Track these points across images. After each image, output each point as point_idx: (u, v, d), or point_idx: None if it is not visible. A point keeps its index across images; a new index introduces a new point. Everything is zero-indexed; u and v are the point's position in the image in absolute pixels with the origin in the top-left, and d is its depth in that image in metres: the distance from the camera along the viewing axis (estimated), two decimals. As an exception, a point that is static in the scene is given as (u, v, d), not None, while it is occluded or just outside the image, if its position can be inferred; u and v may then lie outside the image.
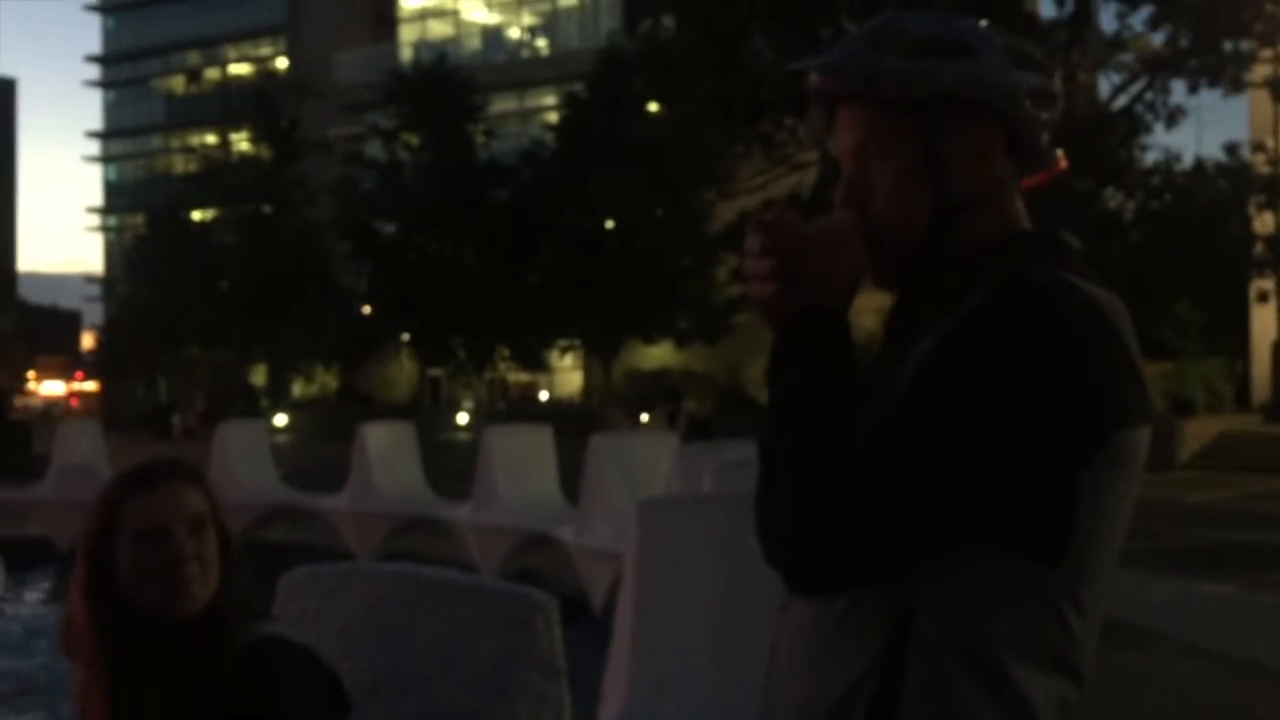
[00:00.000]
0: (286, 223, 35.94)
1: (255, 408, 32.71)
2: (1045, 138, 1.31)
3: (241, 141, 38.50)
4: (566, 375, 36.65)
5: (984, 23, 1.31)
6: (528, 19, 40.57)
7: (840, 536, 1.15)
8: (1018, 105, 1.27)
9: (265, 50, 48.92)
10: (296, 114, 36.23)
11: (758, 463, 1.23)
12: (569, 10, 39.28)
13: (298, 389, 40.34)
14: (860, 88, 1.28)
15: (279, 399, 37.54)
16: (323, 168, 34.65)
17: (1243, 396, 23.43)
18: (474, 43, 40.69)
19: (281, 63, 46.54)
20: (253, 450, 12.02)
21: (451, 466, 12.89)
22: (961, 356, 1.16)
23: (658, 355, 32.52)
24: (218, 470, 11.42)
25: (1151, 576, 8.43)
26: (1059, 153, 1.32)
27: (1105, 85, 20.33)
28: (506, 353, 33.20)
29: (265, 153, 36.96)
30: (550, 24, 39.83)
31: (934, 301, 1.26)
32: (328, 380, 38.76)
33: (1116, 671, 6.09)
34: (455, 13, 41.39)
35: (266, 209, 36.42)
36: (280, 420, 32.55)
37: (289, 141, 36.18)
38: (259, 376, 41.29)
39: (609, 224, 29.02)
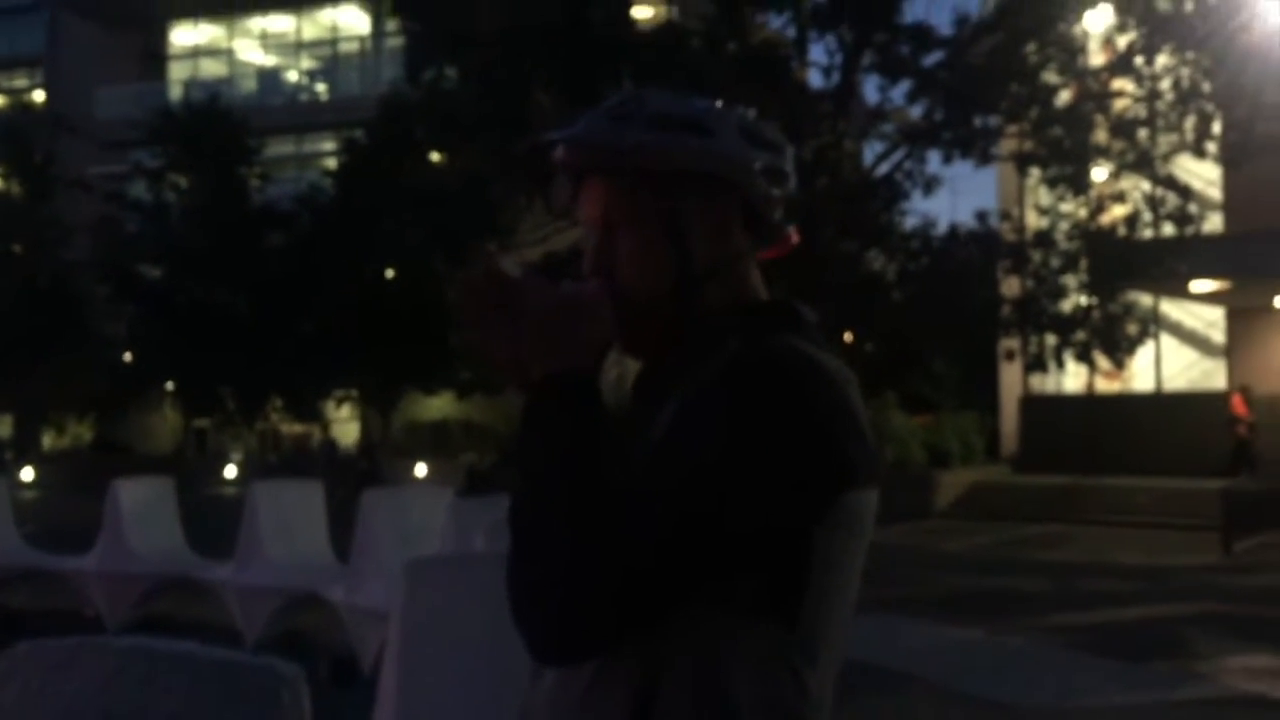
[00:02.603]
0: (38, 264, 33.74)
1: (-2, 461, 30.41)
2: (779, 213, 1.36)
3: (-10, 176, 35.98)
4: (343, 427, 35.67)
5: (720, 103, 1.36)
6: (306, 62, 39.71)
7: (574, 611, 1.14)
8: (752, 181, 1.32)
9: (20, 82, 46.07)
10: (52, 149, 34.20)
11: (510, 528, 1.22)
12: (349, 56, 38.67)
13: (47, 441, 37.74)
14: (603, 161, 1.32)
15: (25, 452, 35.00)
16: (80, 207, 32.79)
17: (993, 449, 24.97)
18: (249, 84, 39.44)
19: (38, 95, 43.95)
20: (-8, 508, 11.14)
21: (217, 524, 12.29)
22: (695, 421, 1.19)
23: (438, 406, 32.07)
24: (-50, 530, 10.54)
25: (906, 622, 8.81)
26: (791, 228, 1.38)
27: (869, 154, 21.48)
28: (279, 403, 32.03)
29: (16, 189, 34.69)
30: (330, 68, 39.10)
31: (677, 368, 1.30)
32: (81, 431, 36.41)
33: (870, 715, 6.30)
34: (229, 52, 40.12)
35: (16, 248, 34.11)
36: (26, 475, 30.35)
37: (43, 178, 34.07)
38: (3, 428, 38.44)
39: (389, 273, 28.55)
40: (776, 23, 20.52)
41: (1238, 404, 20.66)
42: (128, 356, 32.53)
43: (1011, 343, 20.45)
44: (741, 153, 1.32)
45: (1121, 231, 18.99)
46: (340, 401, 32.54)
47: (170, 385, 32.46)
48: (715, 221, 1.32)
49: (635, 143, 1.30)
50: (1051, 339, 19.59)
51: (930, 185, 19.47)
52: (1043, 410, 25.05)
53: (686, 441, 1.18)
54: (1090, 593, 11.80)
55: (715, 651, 1.18)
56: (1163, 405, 23.51)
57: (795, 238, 1.38)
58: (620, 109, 1.33)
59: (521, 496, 1.22)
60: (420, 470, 26.67)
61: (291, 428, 35.57)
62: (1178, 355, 25.00)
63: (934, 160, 19.67)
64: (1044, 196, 20.43)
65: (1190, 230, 18.99)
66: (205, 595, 9.78)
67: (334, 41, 38.84)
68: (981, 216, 20.17)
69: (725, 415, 1.18)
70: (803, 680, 1.21)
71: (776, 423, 1.18)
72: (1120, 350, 19.35)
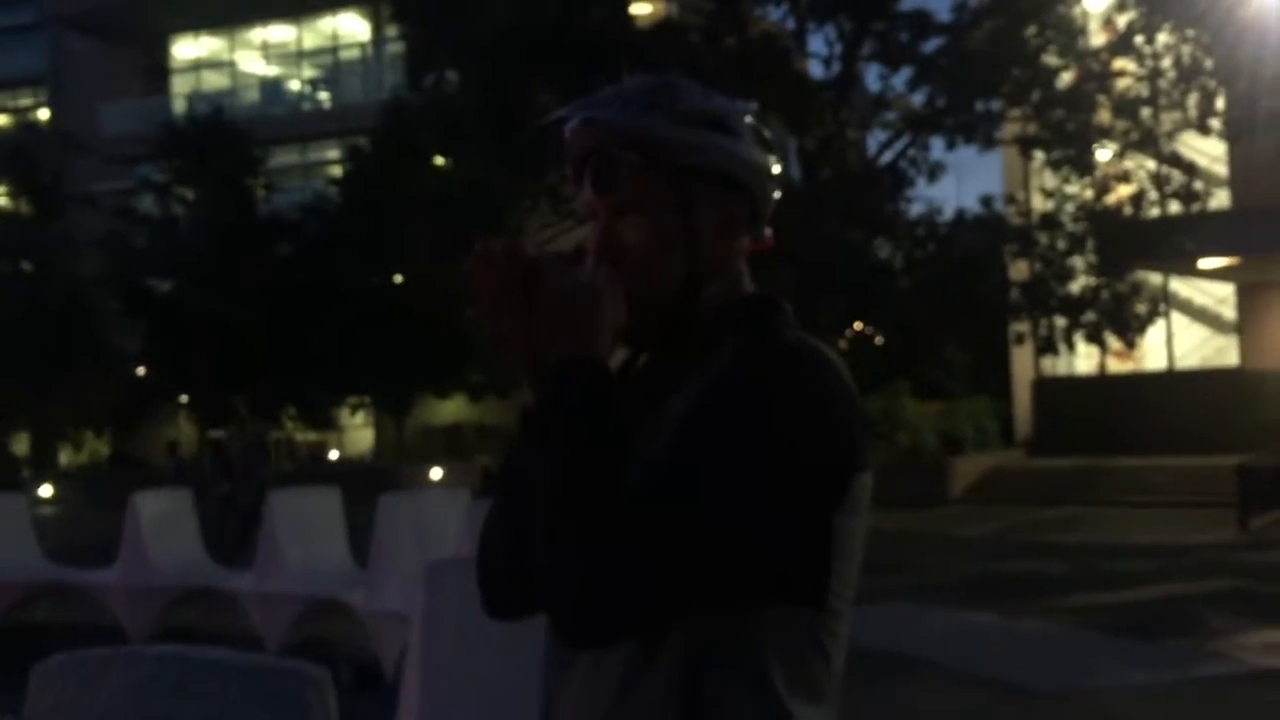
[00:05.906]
0: (49, 281, 33.91)
1: (16, 479, 30.55)
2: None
3: (-2, 197, 36.20)
4: (357, 433, 35.78)
5: (754, 105, 1.38)
6: (308, 71, 39.79)
7: (616, 584, 1.14)
8: (765, 185, 1.36)
9: (25, 101, 46.28)
10: (59, 167, 34.36)
11: (540, 508, 1.19)
12: (351, 63, 38.74)
13: (65, 457, 37.95)
14: (629, 148, 1.32)
15: (44, 468, 35.21)
16: (89, 223, 32.94)
17: (1007, 433, 24.94)
18: (252, 95, 39.54)
19: (43, 114, 44.15)
20: (12, 525, 11.21)
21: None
22: (724, 413, 1.21)
23: (451, 410, 32.17)
24: (-28, 549, 10.64)
25: (924, 609, 8.84)
26: (768, 229, 1.41)
27: (872, 142, 21.49)
28: (293, 411, 32.16)
29: (25, 208, 34.86)
30: (332, 77, 39.17)
31: (679, 359, 1.33)
32: (98, 447, 36.60)
33: (890, 702, 6.35)
34: (232, 64, 40.22)
35: (26, 266, 34.28)
36: (45, 491, 30.54)
37: (51, 196, 34.23)
38: (21, 445, 38.66)
39: (397, 278, 28.63)
40: (775, 15, 20.54)
41: None
42: (141, 370, 32.69)
43: (1021, 326, 20.42)
44: (760, 157, 1.35)
45: (1128, 211, 18.95)
46: (354, 408, 32.64)
47: (184, 397, 32.60)
48: (726, 220, 1.35)
49: (671, 137, 1.31)
50: (1061, 321, 19.57)
51: (935, 172, 19.47)
52: (1055, 393, 25.01)
53: (713, 435, 1.20)
54: (1106, 574, 11.82)
55: (755, 639, 1.22)
56: (1176, 383, 23.47)
57: (770, 240, 1.41)
58: (653, 97, 1.33)
59: (543, 482, 1.19)
60: (436, 474, 26.76)
61: (306, 436, 35.73)
62: (1189, 333, 24.95)
63: (938, 147, 19.64)
64: (1049, 179, 20.39)
65: (1197, 207, 18.94)
66: (226, 604, 9.85)
67: (335, 50, 38.92)
68: (987, 201, 20.15)
69: (751, 408, 1.20)
70: (828, 655, 1.27)
71: (801, 414, 1.21)
72: (1130, 330, 19.31)
